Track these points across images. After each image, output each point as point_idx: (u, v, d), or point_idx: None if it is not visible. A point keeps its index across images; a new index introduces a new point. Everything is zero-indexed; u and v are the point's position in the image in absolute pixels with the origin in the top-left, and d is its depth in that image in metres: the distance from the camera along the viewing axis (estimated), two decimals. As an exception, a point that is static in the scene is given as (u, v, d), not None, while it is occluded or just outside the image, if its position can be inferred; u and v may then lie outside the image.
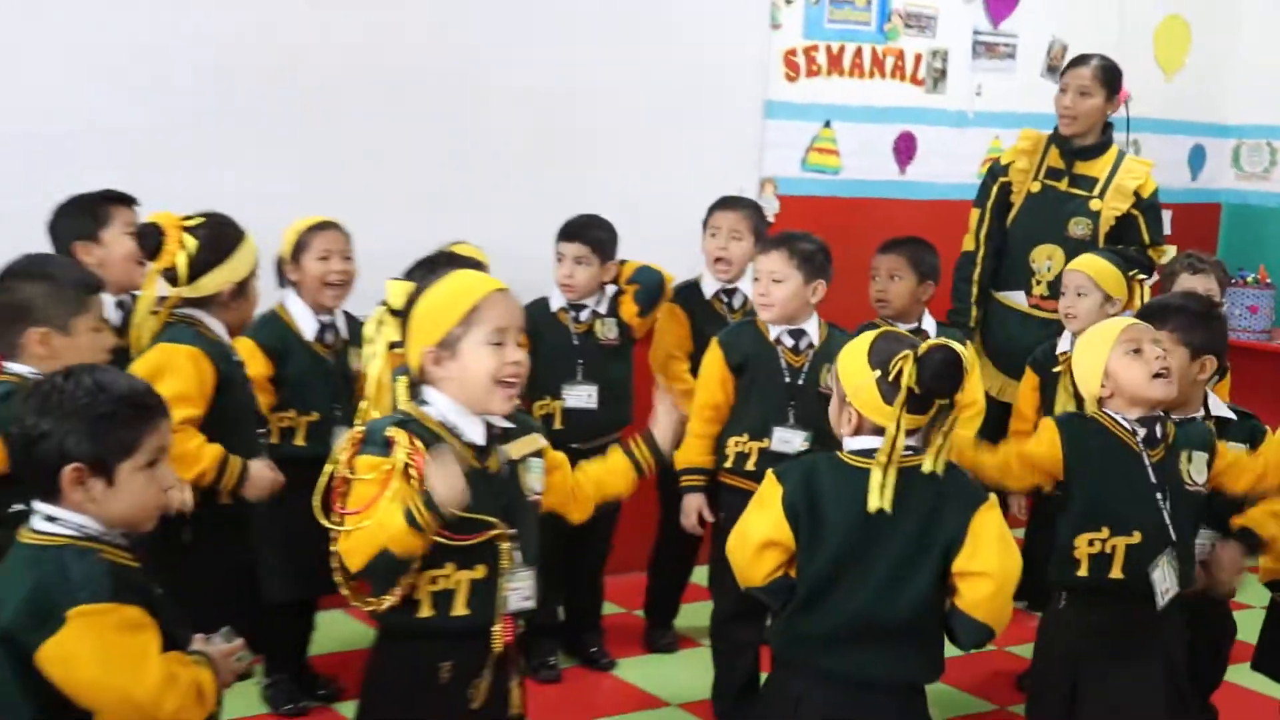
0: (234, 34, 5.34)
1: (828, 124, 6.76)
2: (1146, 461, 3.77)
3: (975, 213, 6.09)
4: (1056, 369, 5.01)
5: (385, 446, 2.98)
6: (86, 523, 2.67)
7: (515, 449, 3.16)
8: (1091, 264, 5.15)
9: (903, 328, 4.90)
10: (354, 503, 2.97)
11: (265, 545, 4.49)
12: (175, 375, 3.74)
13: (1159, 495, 3.77)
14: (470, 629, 3.05)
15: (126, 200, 4.54)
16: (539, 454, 3.22)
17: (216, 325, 3.98)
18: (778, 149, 6.64)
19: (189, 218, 3.98)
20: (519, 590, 3.10)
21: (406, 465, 2.94)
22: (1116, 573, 3.73)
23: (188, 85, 5.29)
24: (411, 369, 3.12)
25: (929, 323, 5.26)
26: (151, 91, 5.22)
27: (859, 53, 6.80)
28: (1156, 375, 3.69)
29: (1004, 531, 3.14)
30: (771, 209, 6.47)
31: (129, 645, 2.57)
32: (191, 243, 3.88)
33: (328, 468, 3.04)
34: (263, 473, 3.94)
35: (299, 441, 4.65)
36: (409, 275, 4.27)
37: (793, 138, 6.68)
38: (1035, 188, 5.98)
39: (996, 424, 5.27)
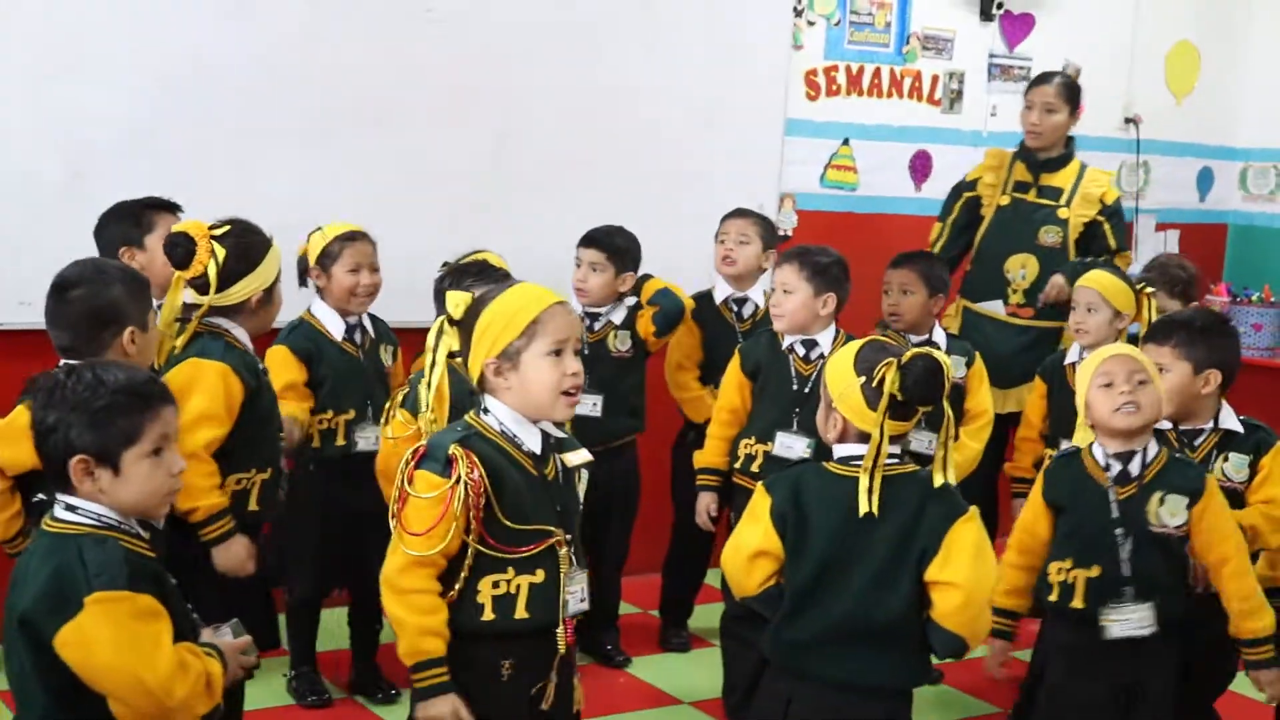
0: (273, 47, 5.31)
1: (846, 142, 6.70)
2: (1112, 498, 3.66)
3: (936, 226, 6.11)
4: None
5: (446, 465, 2.90)
6: (104, 512, 2.65)
7: (570, 457, 3.08)
8: (1101, 280, 5.03)
9: (913, 340, 4.93)
10: (412, 523, 2.92)
11: (295, 544, 4.44)
12: (204, 393, 3.63)
13: (1118, 532, 3.64)
14: (531, 631, 2.98)
15: (171, 207, 4.49)
16: (589, 466, 3.15)
17: (242, 334, 3.85)
18: (797, 165, 6.58)
19: (215, 226, 3.84)
20: (576, 593, 3.06)
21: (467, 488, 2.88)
22: (1078, 602, 3.68)
23: (229, 97, 5.25)
24: (471, 379, 3.04)
25: (939, 335, 5.19)
26: (195, 103, 5.19)
27: (877, 73, 6.73)
28: (1119, 409, 3.57)
29: (981, 544, 3.10)
30: (790, 224, 6.46)
31: (143, 632, 2.55)
32: (221, 251, 3.75)
33: (398, 480, 2.97)
34: (239, 550, 3.76)
35: (339, 441, 4.60)
36: (441, 281, 4.31)
37: (812, 154, 6.63)
38: (1005, 200, 5.98)
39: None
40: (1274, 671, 3.67)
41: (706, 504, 4.77)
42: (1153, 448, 3.68)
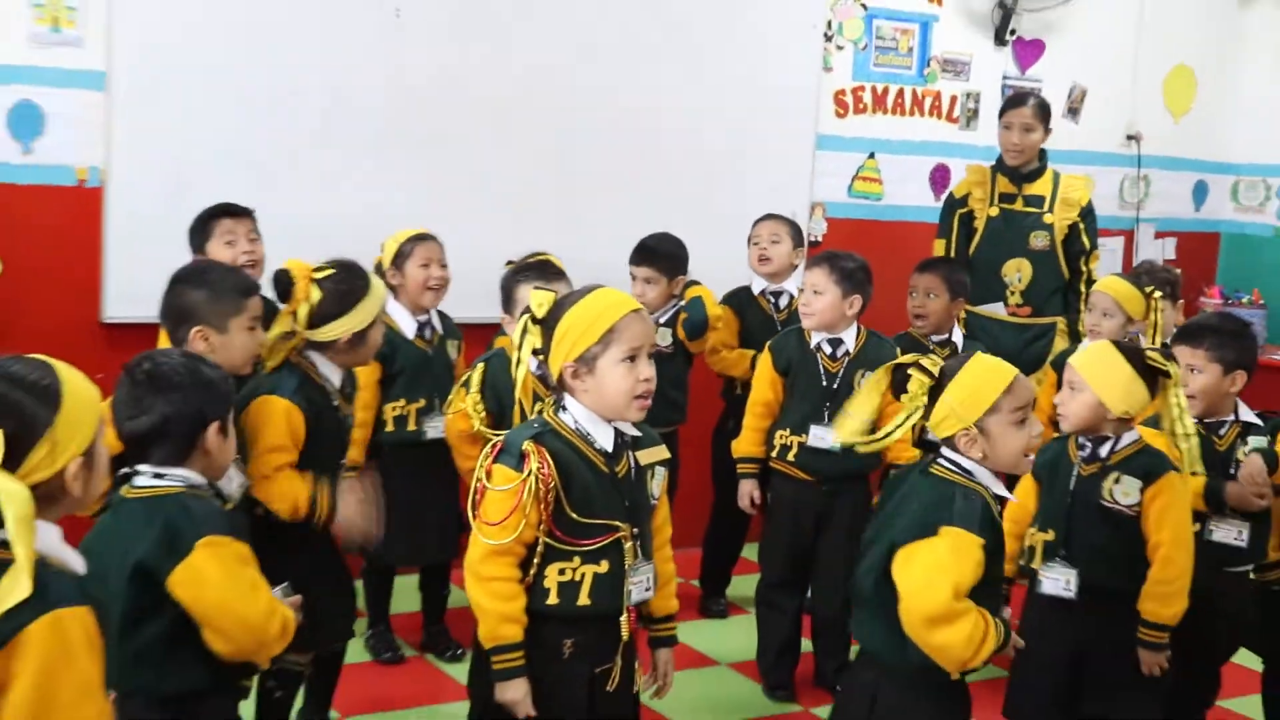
0: (348, 74, 5.33)
1: (872, 156, 6.66)
2: (1074, 472, 3.62)
3: (940, 243, 6.01)
4: None
5: (520, 459, 2.85)
6: (193, 478, 2.73)
7: (644, 456, 3.02)
8: (1116, 287, 4.99)
9: (934, 340, 5.04)
10: (489, 513, 2.87)
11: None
12: (270, 428, 3.56)
13: (1068, 501, 3.60)
14: (592, 616, 2.93)
15: (232, 211, 4.48)
16: (664, 463, 3.09)
17: (328, 367, 3.76)
18: (827, 177, 6.55)
19: (321, 267, 3.76)
20: (640, 583, 2.99)
21: (537, 481, 2.83)
22: (1035, 563, 3.68)
23: (311, 118, 5.28)
24: (551, 378, 2.98)
25: (957, 336, 5.17)
26: (281, 124, 5.23)
27: (900, 93, 6.70)
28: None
29: (931, 565, 2.86)
30: (821, 230, 6.44)
31: (244, 574, 2.66)
32: (317, 294, 3.68)
33: (478, 473, 2.93)
34: (349, 499, 3.72)
35: (411, 427, 4.60)
36: (510, 278, 4.31)
37: (840, 167, 6.59)
38: (994, 212, 5.91)
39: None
40: (1158, 655, 3.56)
41: (749, 490, 4.72)
42: (1128, 437, 3.58)
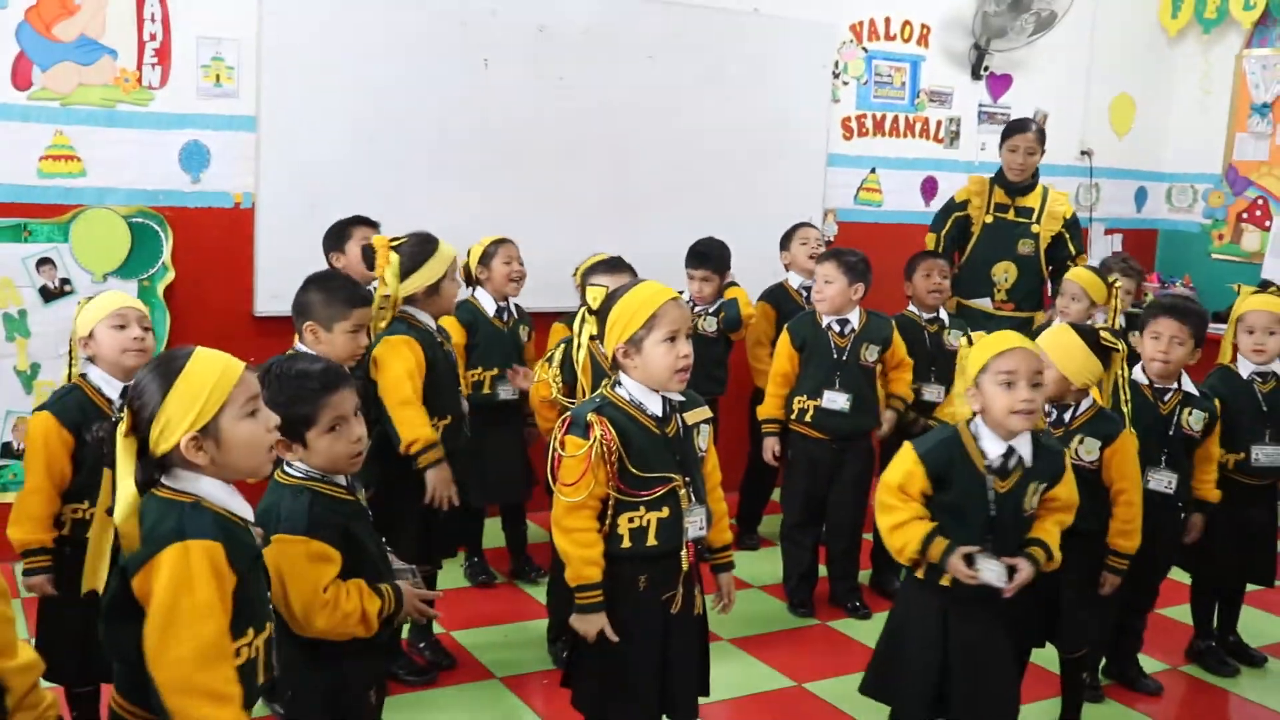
0: (448, 111, 5.33)
1: (873, 170, 6.58)
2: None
3: (931, 236, 5.81)
4: None
5: (586, 430, 2.81)
6: (307, 469, 2.58)
7: (690, 417, 2.96)
8: (1083, 276, 4.86)
9: (925, 318, 5.01)
10: (565, 475, 2.83)
11: (468, 466, 4.36)
12: (396, 359, 3.63)
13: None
14: (660, 554, 2.89)
15: (366, 222, 4.51)
16: (708, 421, 3.03)
17: (425, 316, 3.81)
18: (837, 188, 6.48)
19: (396, 239, 3.80)
20: (695, 522, 2.93)
21: (601, 445, 2.80)
22: None
23: (417, 148, 5.28)
24: (607, 358, 2.94)
25: (944, 313, 5.10)
26: (393, 152, 5.22)
27: (896, 119, 6.61)
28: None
29: (893, 463, 3.07)
30: (832, 232, 6.36)
31: (305, 571, 2.47)
32: (395, 258, 3.72)
33: (554, 444, 2.87)
34: (445, 474, 3.71)
35: (485, 390, 4.58)
36: (588, 273, 4.25)
37: (848, 180, 6.52)
38: (989, 219, 5.73)
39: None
40: (1118, 578, 3.53)
41: (771, 446, 4.67)
42: (1084, 404, 3.50)
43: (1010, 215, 5.73)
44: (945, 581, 2.96)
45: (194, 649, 1.98)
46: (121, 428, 2.07)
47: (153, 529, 2.04)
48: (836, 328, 4.57)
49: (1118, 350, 3.49)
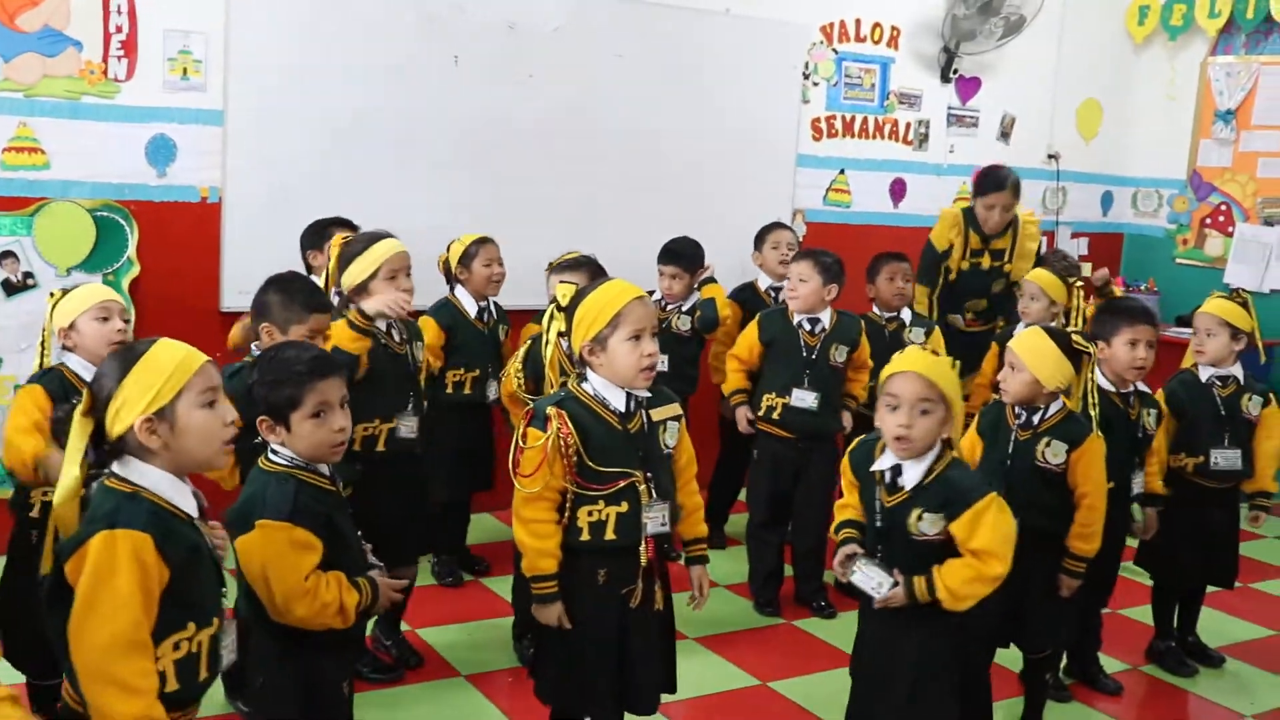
0: (415, 107, 5.32)
1: (842, 171, 6.60)
2: (1013, 438, 3.55)
3: (924, 289, 5.61)
4: None
5: (546, 423, 2.83)
6: (292, 456, 2.59)
7: (657, 413, 2.96)
8: (1042, 276, 4.89)
9: (886, 316, 5.08)
10: (524, 467, 2.83)
11: (434, 462, 4.32)
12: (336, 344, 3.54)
13: (1006, 464, 3.51)
14: (618, 548, 2.89)
15: (347, 224, 4.48)
16: (676, 418, 3.01)
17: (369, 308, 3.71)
18: (806, 189, 6.50)
19: (349, 235, 3.86)
20: (656, 518, 2.92)
21: (558, 438, 2.81)
22: None
23: (385, 143, 5.27)
24: (575, 355, 2.94)
25: (906, 313, 5.12)
26: (360, 147, 5.21)
27: (865, 121, 6.63)
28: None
29: None
30: (801, 232, 6.36)
31: (287, 558, 2.48)
32: (335, 253, 3.77)
33: (516, 436, 2.88)
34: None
35: (466, 390, 4.58)
36: (557, 269, 4.26)
37: (817, 181, 6.53)
38: (965, 265, 5.64)
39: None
40: (1077, 581, 3.53)
41: (744, 414, 4.68)
42: (1054, 407, 3.48)
43: (985, 261, 5.64)
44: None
45: (108, 637, 1.99)
46: (80, 407, 2.10)
47: (89, 516, 2.06)
48: (808, 326, 4.58)
49: (1089, 353, 3.50)
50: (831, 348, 4.58)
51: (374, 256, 3.71)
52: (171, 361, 2.13)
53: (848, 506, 3.07)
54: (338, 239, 3.81)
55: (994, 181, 5.58)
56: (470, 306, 4.61)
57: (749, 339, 4.67)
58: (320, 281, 3.85)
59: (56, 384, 3.16)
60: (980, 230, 5.62)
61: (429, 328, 4.36)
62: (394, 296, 3.69)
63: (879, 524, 2.95)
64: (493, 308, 4.70)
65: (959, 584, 2.80)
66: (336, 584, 2.53)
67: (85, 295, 3.24)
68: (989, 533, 2.80)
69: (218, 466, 2.25)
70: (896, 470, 2.90)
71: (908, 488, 2.88)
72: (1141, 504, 4.06)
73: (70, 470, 2.05)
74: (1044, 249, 6.25)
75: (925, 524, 2.84)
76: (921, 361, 2.88)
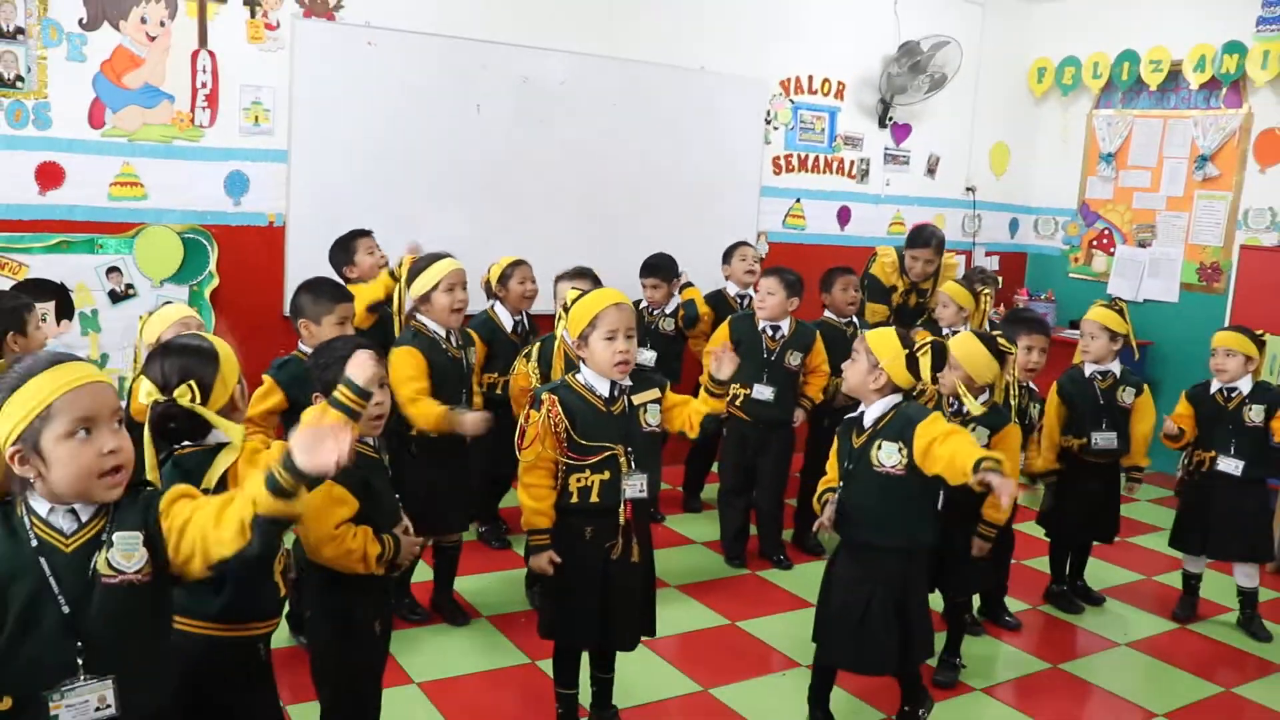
0: (452, 144, 5.31)
1: (798, 200, 6.59)
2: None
3: (884, 307, 5.49)
4: None
5: (540, 405, 2.88)
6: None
7: (638, 397, 2.97)
8: (952, 288, 4.94)
9: (842, 322, 4.94)
10: (525, 441, 2.88)
11: (479, 448, 4.26)
12: (396, 367, 3.53)
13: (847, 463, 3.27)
14: (602, 509, 2.92)
15: (364, 233, 4.46)
16: (658, 400, 3.01)
17: (432, 324, 3.71)
18: (768, 214, 6.49)
19: (401, 262, 3.86)
20: (634, 485, 2.94)
21: (548, 418, 2.85)
22: None
23: (427, 177, 5.25)
24: (570, 351, 2.98)
25: (856, 320, 5.09)
26: (405, 181, 5.20)
27: (817, 159, 6.63)
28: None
29: None
30: (764, 250, 6.39)
31: (324, 508, 2.45)
32: (405, 269, 3.77)
33: (521, 419, 2.92)
34: (476, 418, 3.58)
35: (499, 391, 4.43)
36: (560, 278, 4.25)
37: (777, 208, 6.53)
38: (907, 302, 5.54)
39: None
40: (986, 544, 3.57)
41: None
42: (981, 398, 3.49)
43: (911, 300, 5.52)
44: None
45: None
46: None
47: None
48: (770, 332, 4.58)
49: (1010, 354, 3.54)
50: (788, 352, 4.58)
51: (435, 271, 3.70)
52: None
53: (830, 481, 3.14)
54: (407, 259, 3.79)
55: (921, 239, 5.48)
56: (507, 321, 4.50)
57: (722, 337, 4.63)
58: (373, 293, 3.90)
59: None
60: (907, 274, 5.54)
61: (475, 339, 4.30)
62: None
63: (849, 466, 3.05)
64: (526, 321, 4.59)
65: (972, 446, 2.77)
66: (363, 536, 2.51)
67: (168, 314, 3.17)
68: (938, 425, 2.88)
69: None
70: (863, 416, 3.05)
71: (868, 424, 3.01)
72: (1033, 481, 4.14)
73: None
74: (965, 267, 6.30)
75: (883, 454, 2.96)
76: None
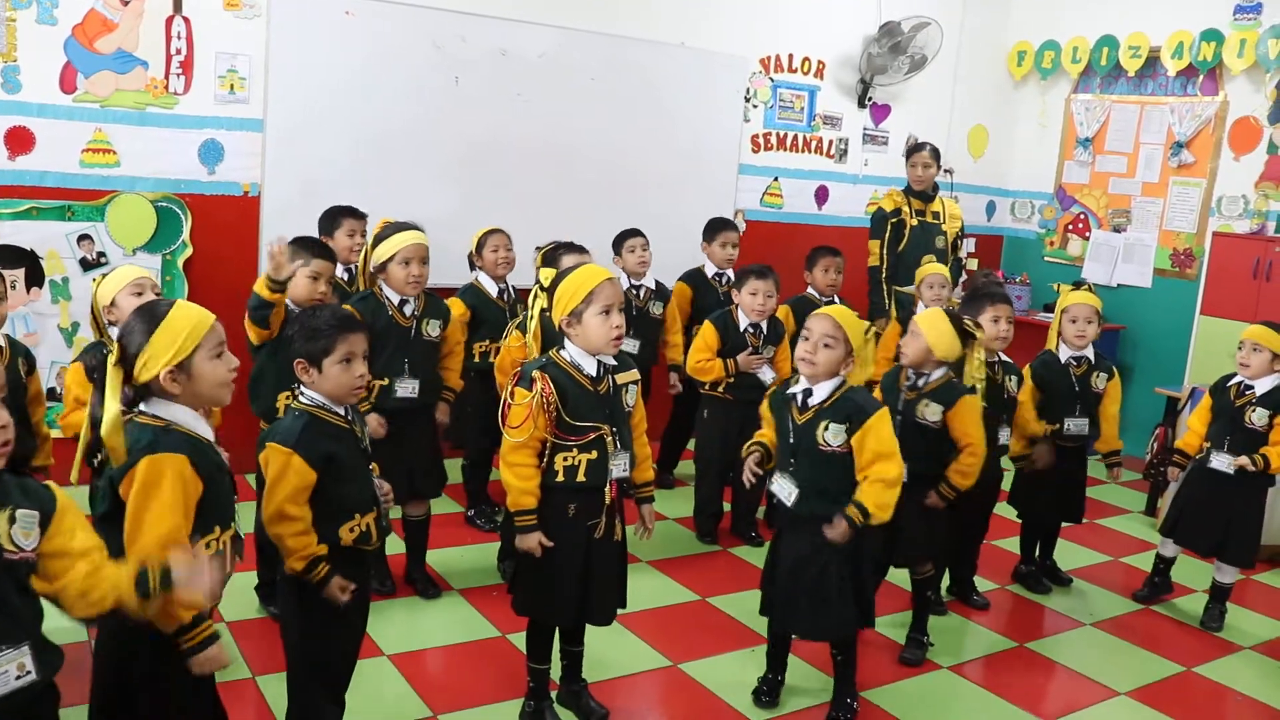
0: (428, 116, 5.28)
1: (776, 179, 6.60)
2: (901, 397, 3.58)
3: (876, 243, 5.78)
4: None
5: (531, 384, 2.84)
6: (315, 397, 2.59)
7: (621, 378, 2.97)
8: (936, 269, 5.03)
9: (823, 300, 4.95)
10: (512, 419, 2.84)
11: (464, 418, 4.32)
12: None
13: (898, 418, 3.44)
14: (587, 488, 2.90)
15: (352, 213, 4.45)
16: (635, 383, 3.03)
17: (389, 290, 3.72)
18: (746, 192, 6.49)
19: (388, 221, 3.81)
20: (619, 465, 2.94)
21: (541, 397, 2.83)
22: None
23: (401, 148, 5.22)
24: (555, 327, 2.94)
25: (837, 299, 5.10)
26: (380, 152, 5.16)
27: (796, 138, 6.64)
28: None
29: None
30: (741, 228, 6.26)
31: (281, 474, 2.49)
32: (372, 234, 3.80)
33: (505, 395, 2.88)
34: (375, 424, 3.60)
35: (491, 359, 4.40)
36: (547, 253, 4.15)
37: (755, 186, 6.53)
38: (915, 223, 5.80)
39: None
40: (942, 501, 3.57)
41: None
42: (937, 373, 3.52)
43: (928, 218, 5.85)
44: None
45: (156, 539, 2.07)
46: (111, 358, 2.17)
47: (130, 446, 2.11)
48: (752, 330, 4.57)
49: (976, 336, 3.55)
50: (767, 348, 4.60)
51: (394, 243, 3.69)
52: (189, 323, 2.20)
53: (763, 436, 3.26)
54: (381, 222, 3.79)
55: (915, 145, 5.91)
56: (490, 288, 4.48)
57: (708, 333, 4.56)
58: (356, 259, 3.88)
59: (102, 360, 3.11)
60: (917, 194, 5.83)
61: (456, 306, 4.25)
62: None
63: (792, 440, 3.10)
64: (510, 289, 4.57)
65: (874, 499, 2.99)
66: (310, 545, 2.51)
67: (121, 275, 3.14)
68: (881, 438, 3.00)
69: (223, 403, 2.31)
70: (808, 394, 3.08)
71: (814, 403, 3.06)
72: (1016, 464, 4.16)
73: (112, 406, 2.09)
74: (965, 270, 6.31)
75: (830, 434, 3.03)
76: (836, 310, 3.09)
